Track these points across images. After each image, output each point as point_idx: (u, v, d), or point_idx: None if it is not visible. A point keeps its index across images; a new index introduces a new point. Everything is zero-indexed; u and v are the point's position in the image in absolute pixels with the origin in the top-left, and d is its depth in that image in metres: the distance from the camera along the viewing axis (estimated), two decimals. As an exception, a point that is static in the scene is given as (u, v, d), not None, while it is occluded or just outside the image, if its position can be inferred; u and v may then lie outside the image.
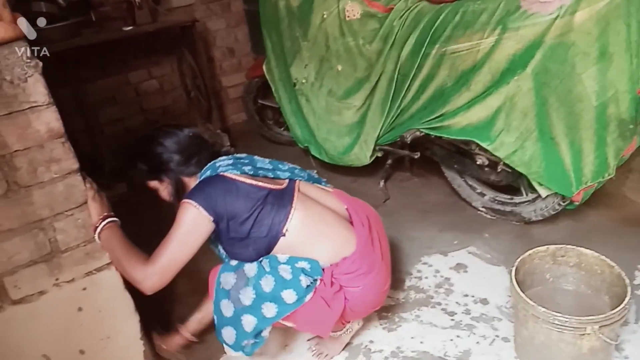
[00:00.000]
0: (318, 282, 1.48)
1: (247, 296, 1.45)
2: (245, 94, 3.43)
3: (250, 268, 1.49)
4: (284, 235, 1.48)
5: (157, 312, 2.02)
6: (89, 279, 1.45)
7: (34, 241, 1.33)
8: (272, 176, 1.58)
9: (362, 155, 2.54)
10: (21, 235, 1.32)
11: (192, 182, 1.57)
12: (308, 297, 1.46)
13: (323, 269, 1.50)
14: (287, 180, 1.60)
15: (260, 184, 1.51)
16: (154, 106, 3.52)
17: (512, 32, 1.84)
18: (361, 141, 2.52)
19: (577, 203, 2.04)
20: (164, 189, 1.59)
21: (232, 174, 1.49)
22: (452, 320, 1.82)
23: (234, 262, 1.54)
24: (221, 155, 1.60)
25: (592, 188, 2.01)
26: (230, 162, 1.55)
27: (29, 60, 1.22)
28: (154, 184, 1.61)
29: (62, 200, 1.35)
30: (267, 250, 1.51)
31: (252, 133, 3.54)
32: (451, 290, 1.96)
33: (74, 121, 3.01)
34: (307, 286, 1.45)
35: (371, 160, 2.56)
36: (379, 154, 2.57)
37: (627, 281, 1.48)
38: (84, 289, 1.45)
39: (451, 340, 1.74)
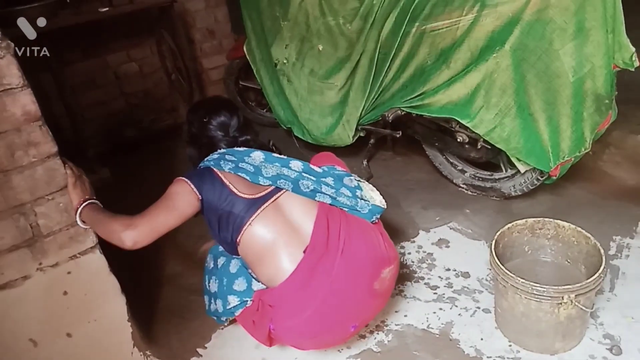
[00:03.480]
0: (249, 302, 1.53)
1: (212, 284, 1.63)
2: (227, 76, 3.38)
3: (219, 260, 1.64)
4: (239, 244, 1.51)
5: (146, 294, 2.04)
6: (73, 263, 1.45)
7: (15, 226, 1.32)
8: (249, 180, 1.52)
9: (345, 135, 2.55)
10: (2, 221, 1.30)
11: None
12: (237, 312, 1.56)
13: (256, 291, 1.53)
14: (268, 188, 1.53)
15: (231, 187, 1.50)
16: (134, 89, 3.46)
17: (490, 9, 1.85)
18: (344, 121, 2.52)
19: (554, 178, 2.08)
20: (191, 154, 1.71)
21: (215, 169, 1.53)
22: (435, 293, 1.86)
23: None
24: (239, 146, 1.65)
25: (569, 162, 2.05)
26: (216, 156, 1.57)
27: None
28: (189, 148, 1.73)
29: (42, 184, 1.34)
30: (232, 251, 1.57)
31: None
32: (434, 265, 2.00)
33: (54, 105, 2.96)
34: (234, 305, 1.54)
35: (354, 140, 2.56)
36: (362, 134, 2.58)
37: (602, 251, 1.52)
38: (69, 272, 1.45)
39: (434, 312, 1.78)
